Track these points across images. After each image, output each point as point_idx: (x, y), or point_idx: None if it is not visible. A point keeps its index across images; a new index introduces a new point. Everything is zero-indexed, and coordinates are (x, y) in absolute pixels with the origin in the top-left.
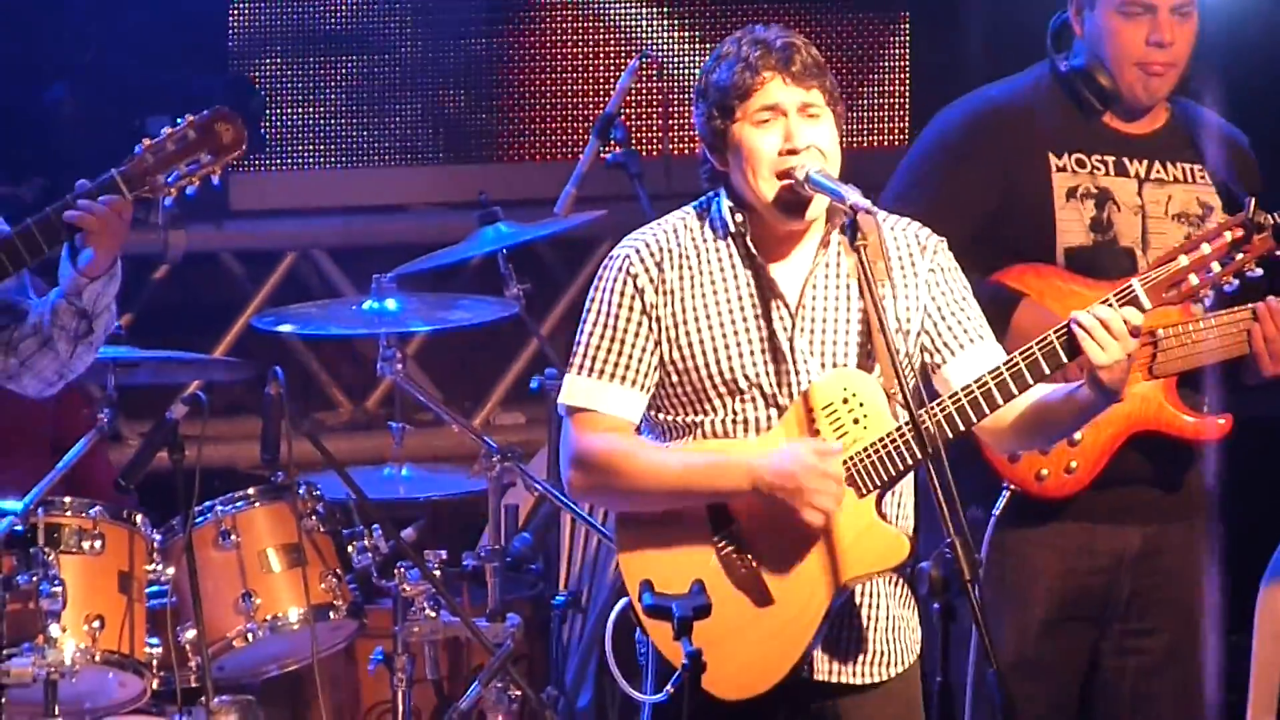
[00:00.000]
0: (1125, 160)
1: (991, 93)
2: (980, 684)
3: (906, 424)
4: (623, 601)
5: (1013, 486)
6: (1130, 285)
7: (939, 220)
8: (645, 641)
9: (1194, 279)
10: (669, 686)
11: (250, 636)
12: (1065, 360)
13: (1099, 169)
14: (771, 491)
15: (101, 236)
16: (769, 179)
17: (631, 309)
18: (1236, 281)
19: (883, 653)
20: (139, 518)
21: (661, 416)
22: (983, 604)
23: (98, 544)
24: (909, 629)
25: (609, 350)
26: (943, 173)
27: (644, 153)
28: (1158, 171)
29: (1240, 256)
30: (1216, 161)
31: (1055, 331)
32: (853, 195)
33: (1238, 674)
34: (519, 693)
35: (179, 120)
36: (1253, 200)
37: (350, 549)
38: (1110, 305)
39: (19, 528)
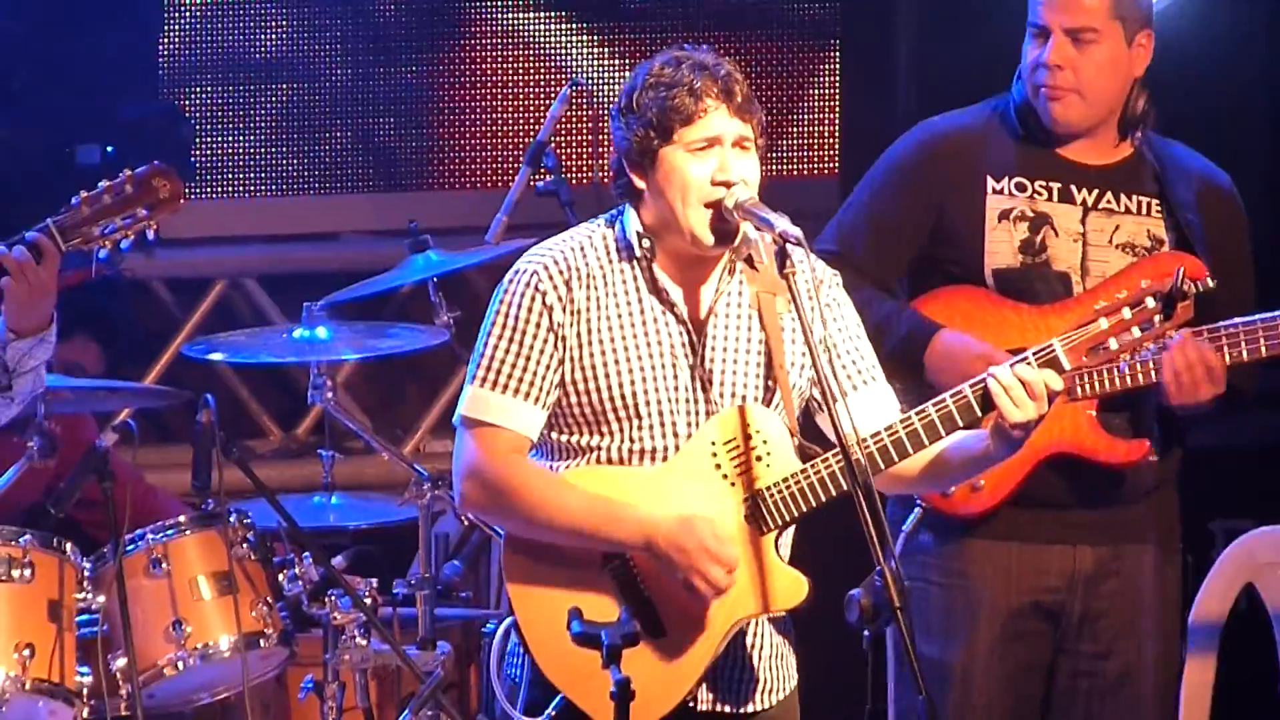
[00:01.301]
0: (1072, 188)
1: (936, 121)
2: (909, 711)
3: (810, 465)
4: (507, 621)
5: (923, 503)
6: (1051, 345)
7: (881, 245)
8: (517, 662)
9: (1114, 343)
10: (550, 711)
11: (181, 665)
12: (980, 415)
13: (1040, 194)
14: (662, 557)
15: (13, 285)
16: (697, 207)
17: (539, 325)
18: (1156, 347)
19: (765, 680)
20: (69, 546)
21: (555, 436)
22: (911, 631)
23: (27, 573)
24: (789, 655)
25: (513, 365)
26: (882, 198)
27: (575, 181)
28: (1108, 202)
29: (1162, 323)
30: (1182, 199)
31: (971, 385)
32: (782, 223)
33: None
34: None
35: (118, 174)
36: (1181, 269)
37: (281, 577)
38: (1031, 365)
39: None
